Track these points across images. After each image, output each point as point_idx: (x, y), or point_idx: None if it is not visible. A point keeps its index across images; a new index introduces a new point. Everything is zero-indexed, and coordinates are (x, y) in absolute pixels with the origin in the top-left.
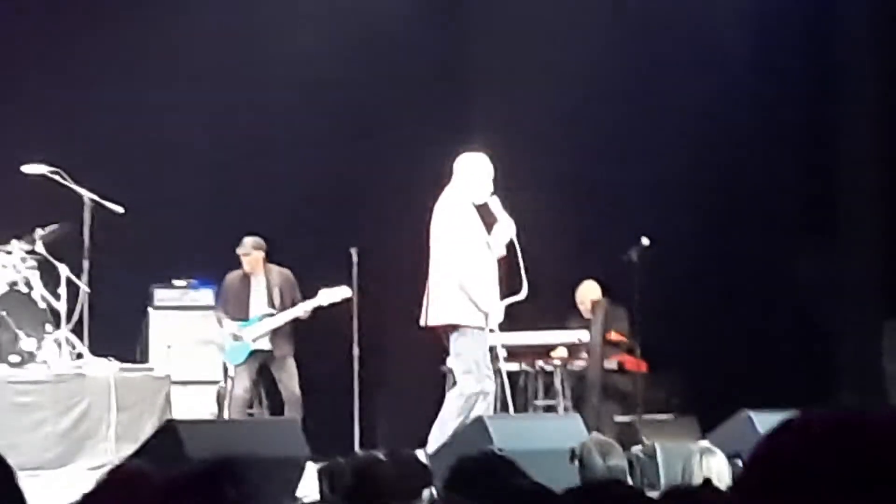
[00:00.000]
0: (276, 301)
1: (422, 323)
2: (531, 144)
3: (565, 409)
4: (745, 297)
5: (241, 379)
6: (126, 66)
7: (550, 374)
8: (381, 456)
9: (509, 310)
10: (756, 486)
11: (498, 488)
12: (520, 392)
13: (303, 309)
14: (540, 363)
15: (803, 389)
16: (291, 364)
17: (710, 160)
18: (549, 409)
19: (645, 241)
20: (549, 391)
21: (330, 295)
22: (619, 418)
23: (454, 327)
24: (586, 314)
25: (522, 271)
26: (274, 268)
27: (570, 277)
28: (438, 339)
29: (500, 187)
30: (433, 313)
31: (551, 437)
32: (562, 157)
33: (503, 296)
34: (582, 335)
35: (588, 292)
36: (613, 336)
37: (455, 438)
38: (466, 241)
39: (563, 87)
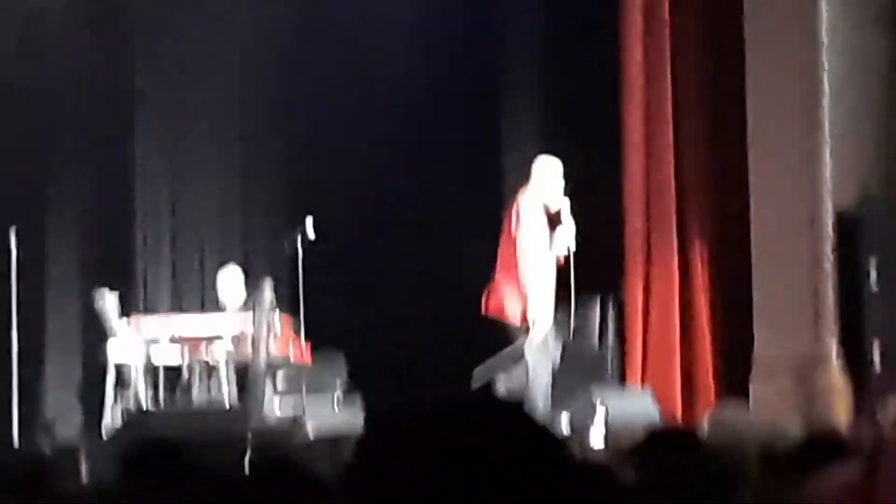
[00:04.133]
0: None
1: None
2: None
3: (231, 399)
4: (411, 274)
5: None
6: None
7: (214, 367)
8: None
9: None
10: None
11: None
12: (184, 382)
13: None
14: (204, 358)
15: (467, 366)
16: None
17: (382, 134)
18: (215, 399)
19: (309, 221)
20: (214, 380)
21: None
22: (286, 402)
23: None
24: (231, 307)
25: (572, 275)
26: None
27: (236, 260)
28: None
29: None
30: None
31: (214, 430)
32: (227, 133)
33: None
34: (247, 318)
35: (227, 280)
36: (277, 322)
37: (117, 433)
38: (532, 241)
39: (229, 63)
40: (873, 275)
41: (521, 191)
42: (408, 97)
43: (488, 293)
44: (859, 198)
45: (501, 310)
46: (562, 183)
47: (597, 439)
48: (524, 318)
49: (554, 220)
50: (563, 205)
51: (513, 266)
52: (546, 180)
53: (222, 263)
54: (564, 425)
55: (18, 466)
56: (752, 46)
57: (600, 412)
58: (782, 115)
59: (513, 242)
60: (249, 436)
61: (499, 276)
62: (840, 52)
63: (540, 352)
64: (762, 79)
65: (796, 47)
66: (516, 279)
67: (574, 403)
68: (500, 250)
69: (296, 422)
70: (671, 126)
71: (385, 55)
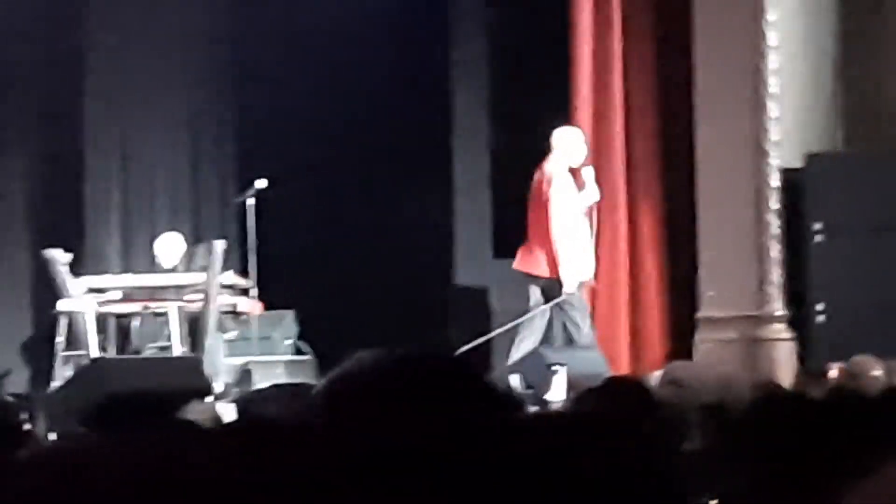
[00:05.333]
0: None
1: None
2: (146, 85)
3: (181, 351)
4: (361, 237)
5: None
6: None
7: (165, 315)
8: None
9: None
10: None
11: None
12: (135, 334)
13: None
14: (154, 305)
15: (418, 327)
16: None
17: (330, 100)
18: (164, 350)
19: (261, 182)
20: (163, 334)
21: None
22: (234, 360)
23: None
24: (166, 265)
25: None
26: None
27: (186, 221)
28: None
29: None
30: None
31: (169, 379)
32: (177, 96)
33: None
34: (197, 277)
35: (166, 245)
36: (229, 278)
37: (72, 381)
38: (563, 203)
39: (177, 26)
40: (818, 232)
41: (546, 159)
42: (361, 59)
43: (522, 251)
44: (804, 156)
45: (532, 266)
46: (585, 149)
47: (556, 397)
48: (554, 274)
49: (578, 182)
50: (588, 171)
51: (544, 226)
52: (571, 147)
53: (171, 228)
54: (517, 385)
55: None
56: (699, 7)
57: (559, 371)
58: (728, 74)
59: (543, 205)
60: (211, 384)
61: (532, 236)
62: (786, 10)
63: (579, 302)
64: (709, 38)
65: (742, 6)
66: (549, 239)
67: (524, 363)
68: (530, 212)
69: (245, 374)
70: (620, 87)
71: (333, 14)
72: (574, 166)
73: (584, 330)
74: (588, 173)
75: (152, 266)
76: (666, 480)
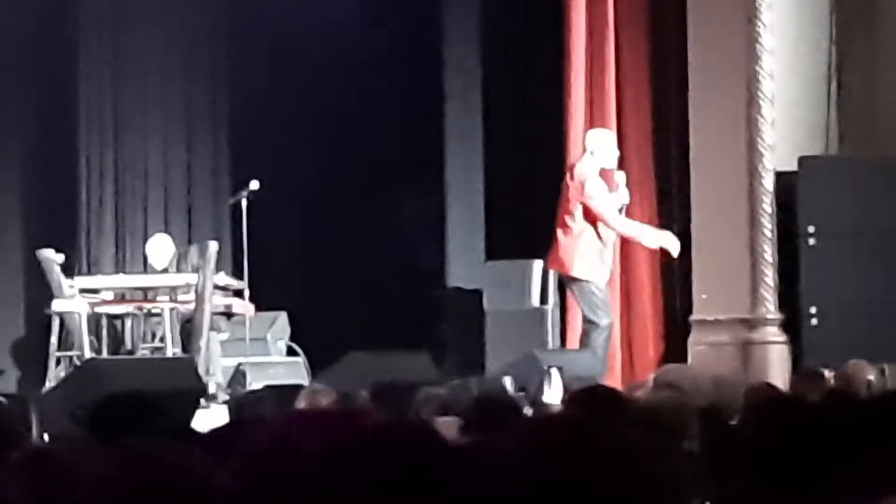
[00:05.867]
0: None
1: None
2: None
3: (174, 352)
4: (354, 239)
5: None
6: None
7: (158, 316)
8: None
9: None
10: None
11: (145, 426)
12: (127, 335)
13: None
14: (147, 306)
15: (411, 329)
16: None
17: (324, 102)
18: (157, 351)
19: (254, 184)
20: (156, 334)
21: None
22: (227, 361)
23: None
24: (158, 266)
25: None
26: None
27: (179, 222)
28: None
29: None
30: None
31: (164, 379)
32: (171, 97)
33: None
34: (190, 278)
35: (156, 246)
36: (222, 279)
37: (66, 381)
38: (608, 199)
39: (173, 28)
40: (811, 236)
41: (578, 160)
42: (355, 63)
43: (554, 253)
44: (797, 159)
45: (561, 266)
46: (617, 151)
47: (553, 399)
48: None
49: (608, 183)
50: (620, 175)
51: (572, 227)
52: (605, 149)
53: (164, 229)
54: (509, 386)
55: None
56: (693, 10)
57: (553, 374)
58: (722, 77)
59: (574, 206)
60: (205, 385)
61: (560, 236)
62: (781, 13)
63: (603, 302)
64: (703, 41)
65: (737, 9)
66: (576, 239)
67: (516, 365)
68: (560, 213)
69: (238, 374)
70: (613, 91)
71: (330, 17)
72: (607, 168)
73: (602, 330)
74: (620, 177)
75: (146, 267)
76: (641, 488)
